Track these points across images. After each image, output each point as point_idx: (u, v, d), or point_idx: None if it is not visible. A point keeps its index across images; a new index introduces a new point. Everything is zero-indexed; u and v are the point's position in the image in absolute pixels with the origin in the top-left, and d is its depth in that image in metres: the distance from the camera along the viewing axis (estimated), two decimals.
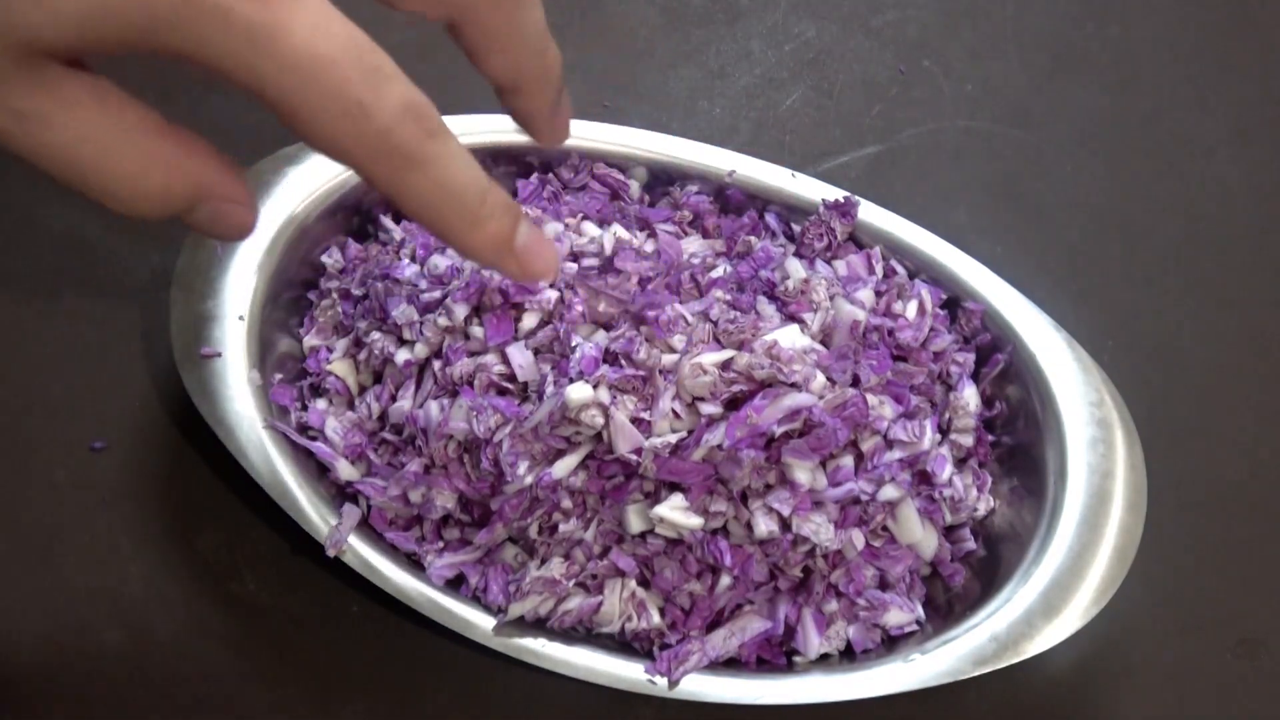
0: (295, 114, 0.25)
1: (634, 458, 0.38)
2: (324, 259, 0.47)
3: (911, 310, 0.44)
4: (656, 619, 0.40)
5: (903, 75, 0.57)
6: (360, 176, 0.27)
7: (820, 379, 0.39)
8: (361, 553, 0.41)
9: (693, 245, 0.46)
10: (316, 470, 0.43)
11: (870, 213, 0.47)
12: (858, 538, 0.40)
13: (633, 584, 0.41)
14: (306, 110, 0.25)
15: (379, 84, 0.26)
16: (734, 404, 0.39)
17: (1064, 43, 0.59)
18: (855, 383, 0.41)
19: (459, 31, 0.32)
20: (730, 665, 0.41)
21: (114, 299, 0.49)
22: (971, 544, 0.43)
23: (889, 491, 0.40)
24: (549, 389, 0.40)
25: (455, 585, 0.42)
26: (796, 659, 0.41)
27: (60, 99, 0.26)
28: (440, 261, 0.44)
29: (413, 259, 0.46)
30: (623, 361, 0.39)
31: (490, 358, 0.42)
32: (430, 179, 0.27)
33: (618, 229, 0.45)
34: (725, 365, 0.39)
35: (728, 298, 0.42)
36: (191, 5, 0.24)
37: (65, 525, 0.45)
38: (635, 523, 0.39)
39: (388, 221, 0.48)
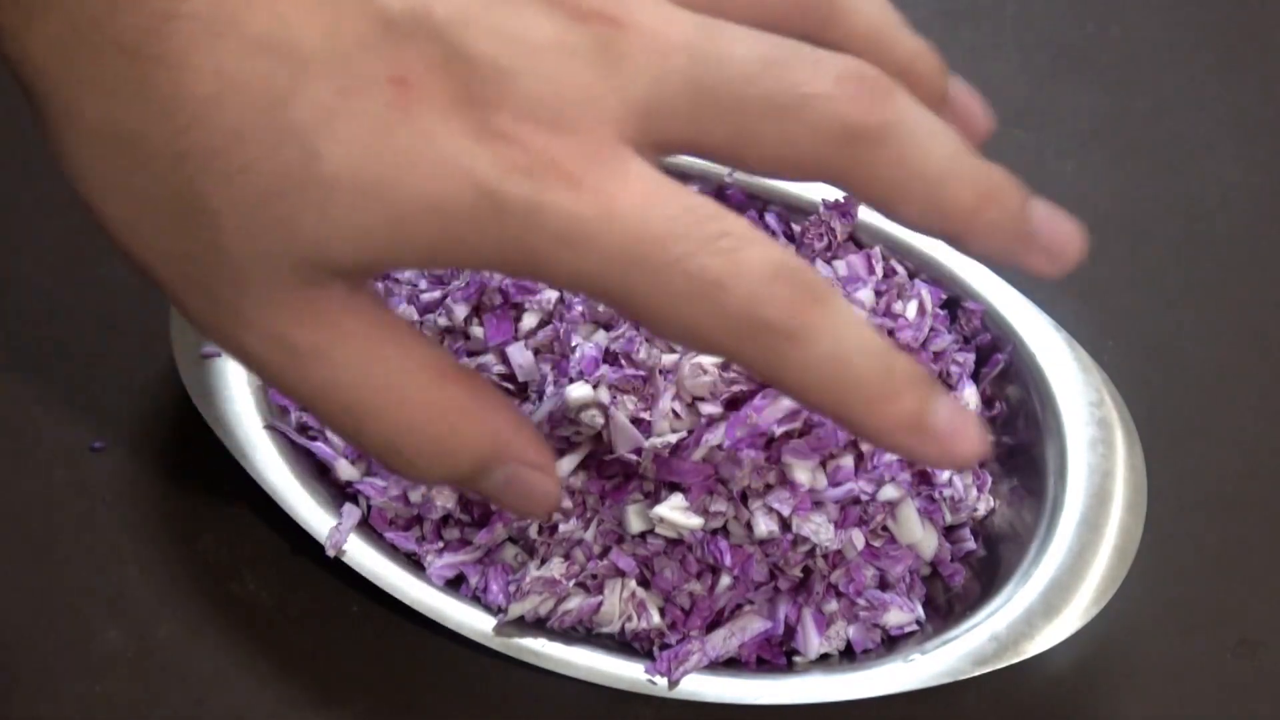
0: (633, 307, 0.21)
1: (634, 458, 0.38)
2: None
3: (911, 310, 0.44)
4: (656, 619, 0.40)
5: None
6: (732, 361, 0.23)
7: None
8: (361, 553, 0.41)
9: None
10: (316, 470, 0.43)
11: (870, 213, 0.46)
12: (858, 538, 0.40)
13: (633, 584, 0.41)
14: (650, 300, 0.21)
15: (733, 251, 0.21)
16: (734, 404, 0.39)
17: (1064, 43, 0.59)
18: None
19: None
20: (730, 665, 0.41)
21: (114, 299, 0.49)
22: (971, 544, 0.43)
23: (889, 491, 0.40)
24: (549, 389, 0.40)
25: (455, 585, 0.42)
26: (796, 659, 0.41)
27: (342, 331, 0.22)
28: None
29: None
30: (623, 361, 0.39)
31: (490, 358, 0.42)
32: (816, 354, 0.22)
33: None
34: (725, 365, 0.39)
35: None
36: (490, 199, 0.20)
37: (65, 525, 0.45)
38: (635, 523, 0.39)
39: None
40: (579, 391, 0.38)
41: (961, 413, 0.24)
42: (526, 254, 0.21)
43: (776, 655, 0.41)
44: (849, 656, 0.41)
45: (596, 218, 0.20)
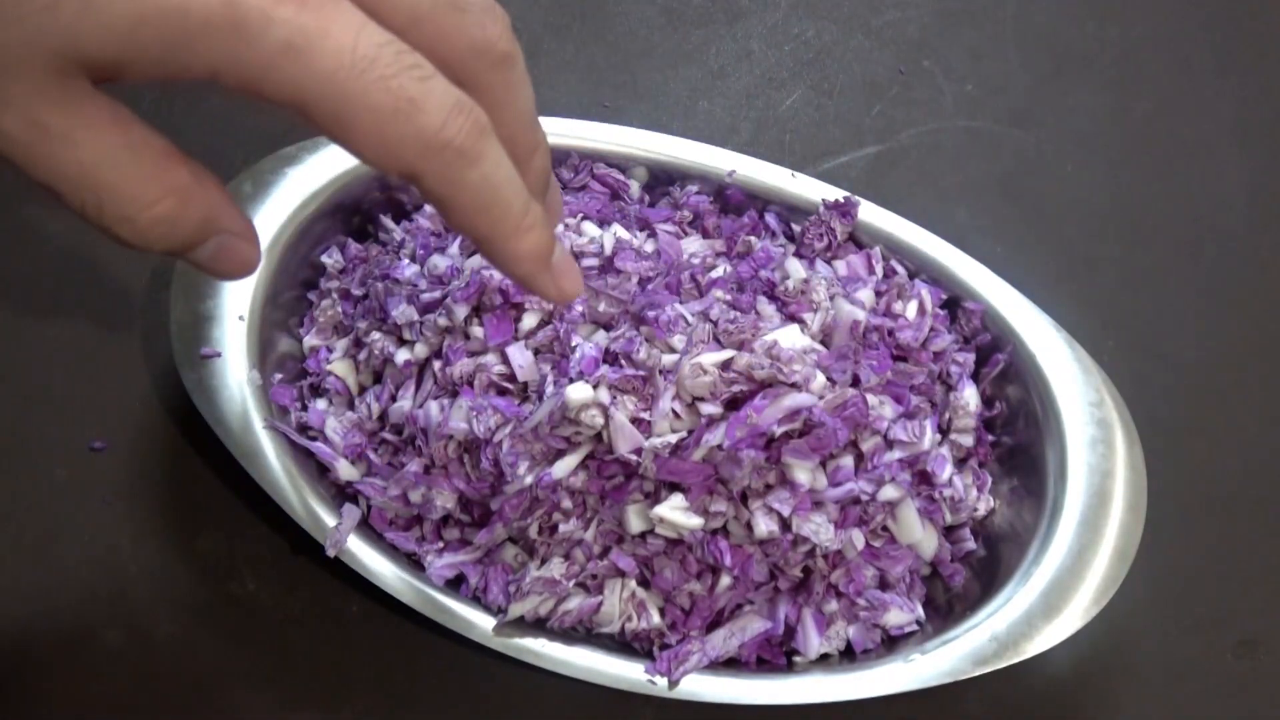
0: (341, 120, 0.25)
1: (634, 458, 0.38)
2: (324, 259, 0.47)
3: (911, 310, 0.44)
4: (656, 619, 0.40)
5: (903, 75, 0.57)
6: (410, 180, 0.26)
7: (820, 379, 0.39)
8: (361, 553, 0.41)
9: (693, 245, 0.46)
10: (316, 470, 0.43)
11: (870, 213, 0.47)
12: (858, 538, 0.40)
13: (633, 584, 0.41)
14: (353, 114, 0.25)
15: (425, 80, 0.25)
16: (734, 404, 0.39)
17: (1064, 43, 0.59)
18: (855, 383, 0.41)
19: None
20: (730, 665, 0.41)
21: (114, 299, 0.49)
22: (971, 544, 0.43)
23: (889, 491, 0.40)
24: (549, 389, 0.40)
25: (455, 585, 0.42)
26: (796, 659, 0.41)
27: (84, 117, 0.25)
28: (440, 261, 0.44)
29: (413, 259, 0.46)
30: (623, 361, 0.39)
31: (490, 358, 0.42)
32: (482, 176, 0.27)
33: (618, 229, 0.45)
34: (725, 365, 0.39)
35: (728, 298, 0.42)
36: (231, 8, 0.23)
37: (65, 525, 0.45)
38: (635, 523, 0.39)
39: (388, 221, 0.48)
40: (579, 392, 0.38)
41: (569, 257, 0.30)
42: (253, 66, 0.24)
43: (776, 655, 0.41)
44: (849, 656, 0.41)
45: (317, 32, 0.24)
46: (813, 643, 0.40)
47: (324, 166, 0.46)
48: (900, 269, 0.46)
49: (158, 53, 0.24)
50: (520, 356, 0.41)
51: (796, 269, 0.43)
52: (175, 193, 0.26)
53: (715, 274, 0.44)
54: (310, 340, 0.46)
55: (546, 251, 0.29)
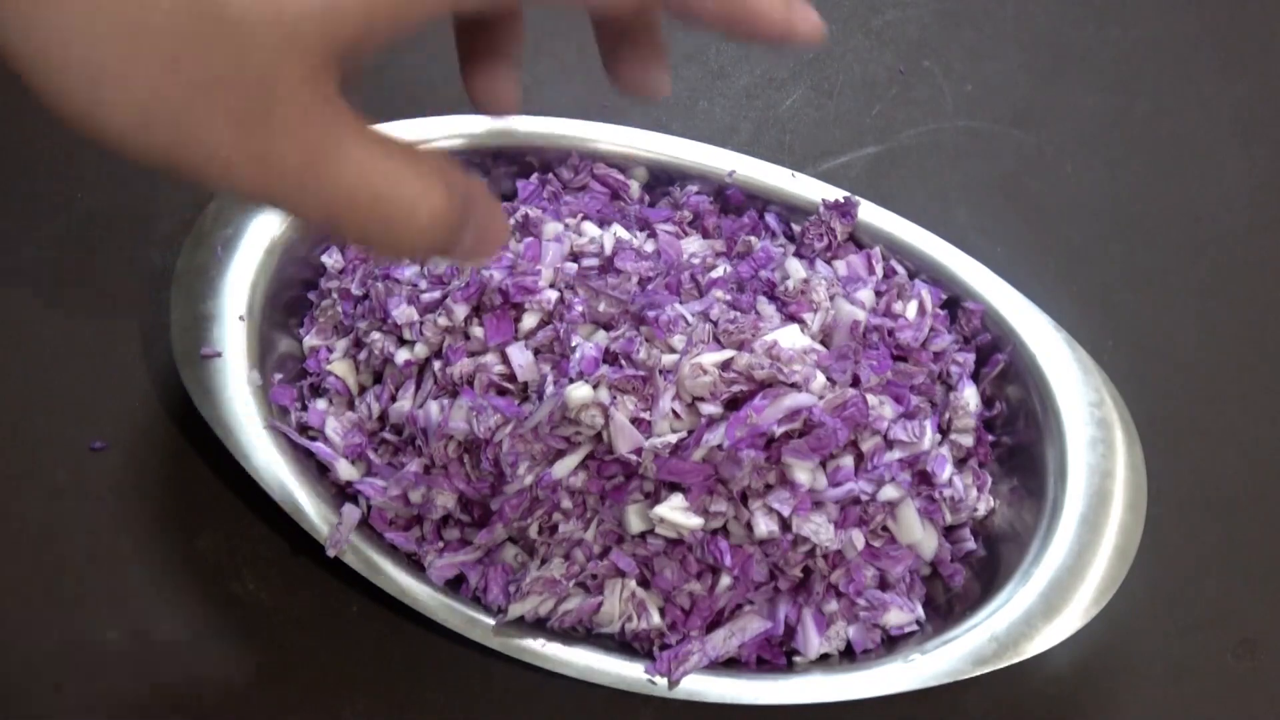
0: None
1: (634, 458, 0.38)
2: (324, 259, 0.47)
3: (911, 310, 0.44)
4: (656, 619, 0.40)
5: (903, 75, 0.57)
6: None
7: (820, 379, 0.39)
8: (361, 553, 0.41)
9: (693, 245, 0.46)
10: (316, 470, 0.43)
11: (870, 213, 0.47)
12: (858, 538, 0.40)
13: (633, 584, 0.41)
14: None
15: None
16: (734, 404, 0.39)
17: (1064, 43, 0.59)
18: (855, 383, 0.41)
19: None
20: (730, 665, 0.41)
21: (114, 299, 0.49)
22: (971, 544, 0.43)
23: (889, 491, 0.40)
24: (549, 389, 0.40)
25: (455, 585, 0.42)
26: (796, 659, 0.41)
27: (348, 125, 0.22)
28: (440, 261, 0.44)
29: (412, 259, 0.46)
30: (623, 361, 0.39)
31: (490, 358, 0.42)
32: None
33: (618, 229, 0.45)
34: (725, 365, 0.39)
35: (728, 298, 0.42)
36: None
37: (65, 525, 0.45)
38: (635, 523, 0.39)
39: None
40: (579, 391, 0.38)
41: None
42: None
43: (776, 655, 0.41)
44: (849, 656, 0.41)
45: None
46: (813, 643, 0.40)
47: None
48: (900, 269, 0.46)
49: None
50: (520, 356, 0.41)
51: (796, 269, 0.43)
52: (437, 180, 0.24)
53: (715, 274, 0.44)
54: (310, 340, 0.46)
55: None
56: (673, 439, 0.38)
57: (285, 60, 0.21)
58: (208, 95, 0.21)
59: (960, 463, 0.44)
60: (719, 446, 0.38)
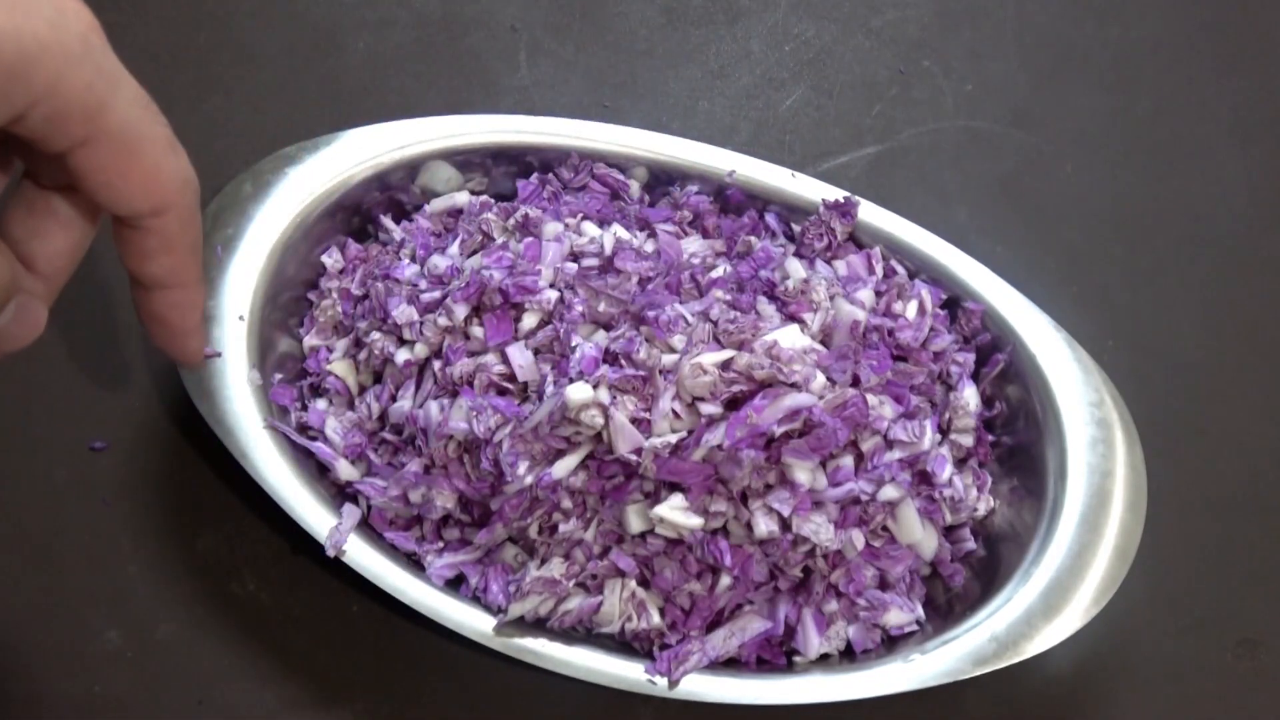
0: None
1: (634, 458, 0.38)
2: (324, 259, 0.47)
3: (911, 310, 0.44)
4: (656, 619, 0.40)
5: (903, 75, 0.57)
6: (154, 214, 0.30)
7: (820, 379, 0.39)
8: (361, 553, 0.41)
9: (693, 245, 0.46)
10: (316, 470, 0.43)
11: (870, 213, 0.47)
12: (858, 538, 0.40)
13: (633, 584, 0.41)
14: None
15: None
16: (734, 404, 0.39)
17: (1064, 43, 0.59)
18: (855, 383, 0.41)
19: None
20: (730, 665, 0.41)
21: (114, 299, 0.49)
22: (971, 544, 0.43)
23: (889, 491, 0.40)
24: (549, 389, 0.40)
25: (455, 585, 0.42)
26: (796, 659, 0.41)
27: None
28: (440, 261, 0.44)
29: (413, 259, 0.46)
30: (623, 361, 0.39)
31: (490, 358, 0.42)
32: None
33: (618, 229, 0.45)
34: (725, 365, 0.39)
35: (728, 298, 0.42)
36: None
37: (65, 525, 0.45)
38: (635, 523, 0.39)
39: (388, 221, 0.48)
40: (579, 392, 0.38)
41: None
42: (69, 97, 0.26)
43: (776, 655, 0.41)
44: (849, 656, 0.41)
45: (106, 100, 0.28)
46: (813, 643, 0.40)
47: (324, 166, 0.46)
48: (900, 269, 0.46)
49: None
50: (520, 356, 0.41)
51: (796, 269, 0.43)
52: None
53: (715, 274, 0.44)
54: (310, 340, 0.46)
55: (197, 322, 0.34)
56: (673, 439, 0.38)
57: None
58: None
59: (960, 463, 0.44)
60: (719, 446, 0.38)
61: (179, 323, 0.34)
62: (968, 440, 0.44)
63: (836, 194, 0.47)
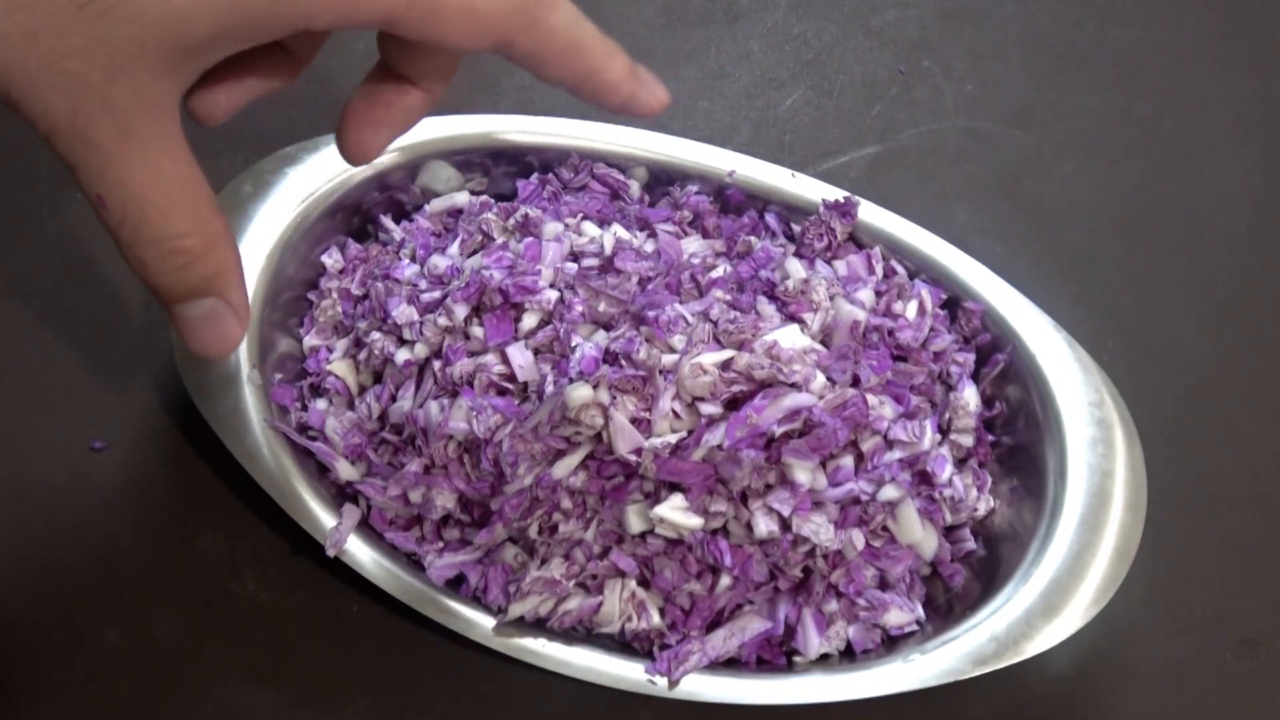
0: (434, 11, 0.27)
1: (634, 458, 0.38)
2: (324, 259, 0.47)
3: (911, 310, 0.44)
4: (656, 619, 0.40)
5: (903, 75, 0.57)
6: (502, 49, 0.29)
7: (820, 379, 0.39)
8: (361, 553, 0.41)
9: (693, 245, 0.46)
10: (316, 470, 0.43)
11: (870, 213, 0.47)
12: (858, 538, 0.40)
13: (633, 584, 0.41)
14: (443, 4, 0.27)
15: None
16: (734, 404, 0.39)
17: (1064, 43, 0.59)
18: (855, 383, 0.41)
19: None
20: (730, 665, 0.41)
21: (114, 299, 0.49)
22: (971, 544, 0.43)
23: (889, 491, 0.40)
24: (549, 389, 0.40)
25: (455, 585, 0.42)
26: (796, 659, 0.41)
27: (164, 131, 0.25)
28: (440, 261, 0.44)
29: (413, 259, 0.46)
30: (623, 361, 0.39)
31: (490, 358, 0.42)
32: (564, 19, 0.30)
33: (618, 229, 0.45)
34: (725, 365, 0.39)
35: (728, 298, 0.42)
36: None
37: (65, 525, 0.45)
38: (635, 523, 0.39)
39: (388, 221, 0.48)
40: (579, 391, 0.38)
41: (644, 69, 0.33)
42: None
43: (776, 655, 0.41)
44: (849, 656, 0.41)
45: None
46: (813, 643, 0.40)
47: (324, 167, 0.46)
48: (900, 269, 0.46)
49: (261, 9, 0.24)
50: (520, 356, 0.41)
51: (796, 269, 0.43)
52: (206, 236, 0.27)
53: (715, 274, 0.44)
54: (310, 340, 0.46)
55: (632, 69, 0.32)
56: (673, 439, 0.38)
57: (138, 43, 0.24)
58: (54, 63, 0.24)
59: (960, 463, 0.44)
60: (719, 446, 0.38)
61: (614, 86, 0.33)
62: (968, 440, 0.44)
63: (836, 194, 0.47)
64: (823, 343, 0.42)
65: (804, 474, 0.39)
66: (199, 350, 0.30)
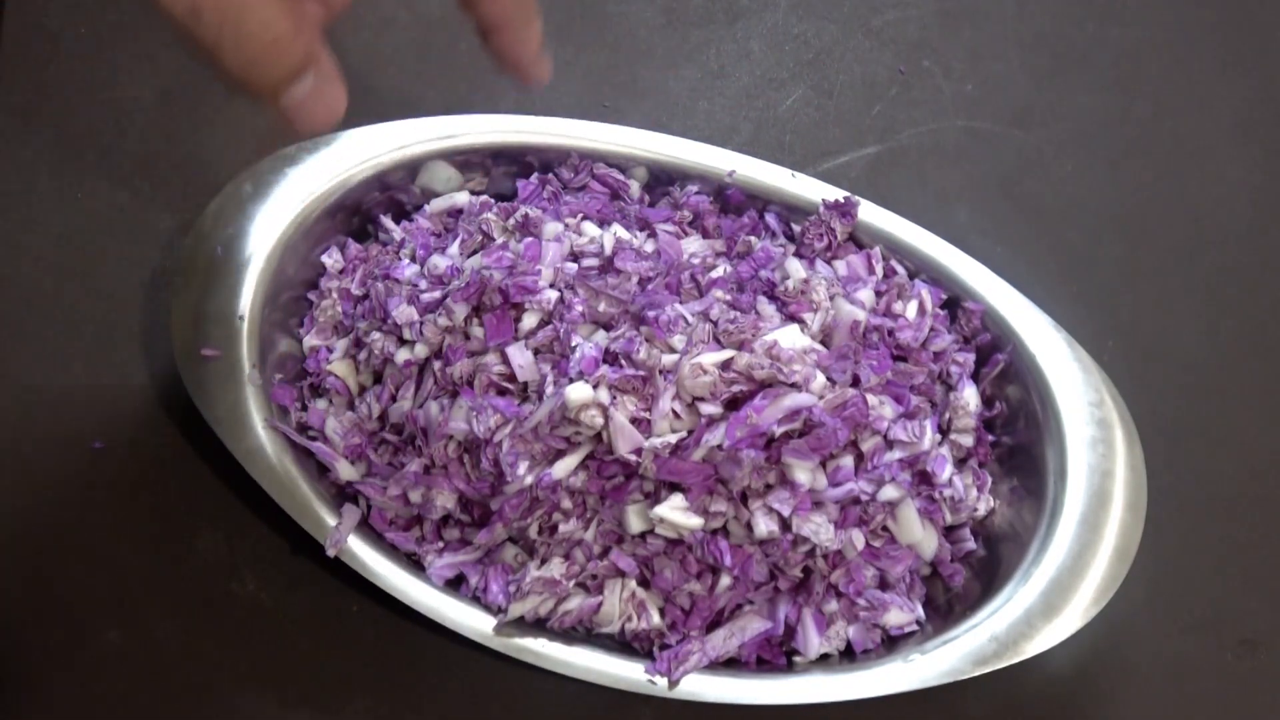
0: None
1: (634, 458, 0.38)
2: (324, 259, 0.47)
3: (911, 310, 0.44)
4: (656, 619, 0.40)
5: (903, 75, 0.57)
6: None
7: (820, 379, 0.39)
8: (361, 553, 0.41)
9: (693, 245, 0.46)
10: (316, 470, 0.43)
11: (870, 213, 0.47)
12: (858, 538, 0.40)
13: (633, 584, 0.41)
14: None
15: None
16: (734, 404, 0.39)
17: (1064, 43, 0.59)
18: (855, 383, 0.41)
19: None
20: (730, 665, 0.41)
21: (114, 299, 0.49)
22: (971, 544, 0.43)
23: (889, 491, 0.40)
24: (549, 389, 0.40)
25: (455, 585, 0.42)
26: (796, 659, 0.41)
27: None
28: (440, 261, 0.44)
29: (413, 259, 0.46)
30: (623, 361, 0.39)
31: (490, 358, 0.42)
32: None
33: (618, 229, 0.45)
34: (725, 365, 0.39)
35: (728, 298, 0.42)
36: None
37: (65, 525, 0.45)
38: (635, 523, 0.39)
39: (388, 221, 0.48)
40: (579, 391, 0.38)
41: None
42: None
43: (776, 655, 0.41)
44: (849, 656, 0.41)
45: None
46: (813, 643, 0.40)
47: (324, 167, 0.46)
48: (900, 269, 0.46)
49: None
50: (520, 356, 0.41)
51: (796, 269, 0.43)
52: (293, 14, 0.28)
53: (715, 274, 0.44)
54: (310, 340, 0.46)
55: (540, 45, 0.34)
56: (673, 439, 0.38)
57: None
58: None
59: (960, 463, 0.44)
60: (719, 446, 0.38)
61: (519, 55, 0.34)
62: (968, 440, 0.44)
63: (836, 194, 0.47)
64: (823, 343, 0.42)
65: (804, 474, 0.39)
66: (313, 127, 0.31)
